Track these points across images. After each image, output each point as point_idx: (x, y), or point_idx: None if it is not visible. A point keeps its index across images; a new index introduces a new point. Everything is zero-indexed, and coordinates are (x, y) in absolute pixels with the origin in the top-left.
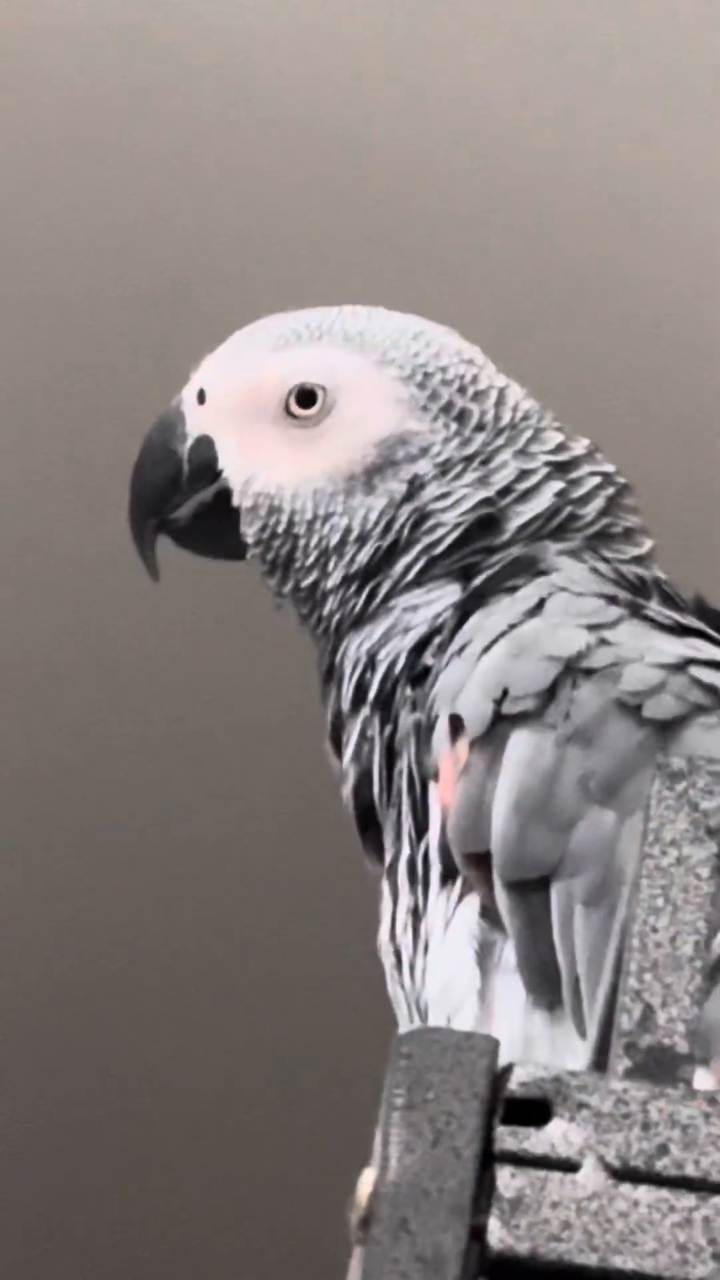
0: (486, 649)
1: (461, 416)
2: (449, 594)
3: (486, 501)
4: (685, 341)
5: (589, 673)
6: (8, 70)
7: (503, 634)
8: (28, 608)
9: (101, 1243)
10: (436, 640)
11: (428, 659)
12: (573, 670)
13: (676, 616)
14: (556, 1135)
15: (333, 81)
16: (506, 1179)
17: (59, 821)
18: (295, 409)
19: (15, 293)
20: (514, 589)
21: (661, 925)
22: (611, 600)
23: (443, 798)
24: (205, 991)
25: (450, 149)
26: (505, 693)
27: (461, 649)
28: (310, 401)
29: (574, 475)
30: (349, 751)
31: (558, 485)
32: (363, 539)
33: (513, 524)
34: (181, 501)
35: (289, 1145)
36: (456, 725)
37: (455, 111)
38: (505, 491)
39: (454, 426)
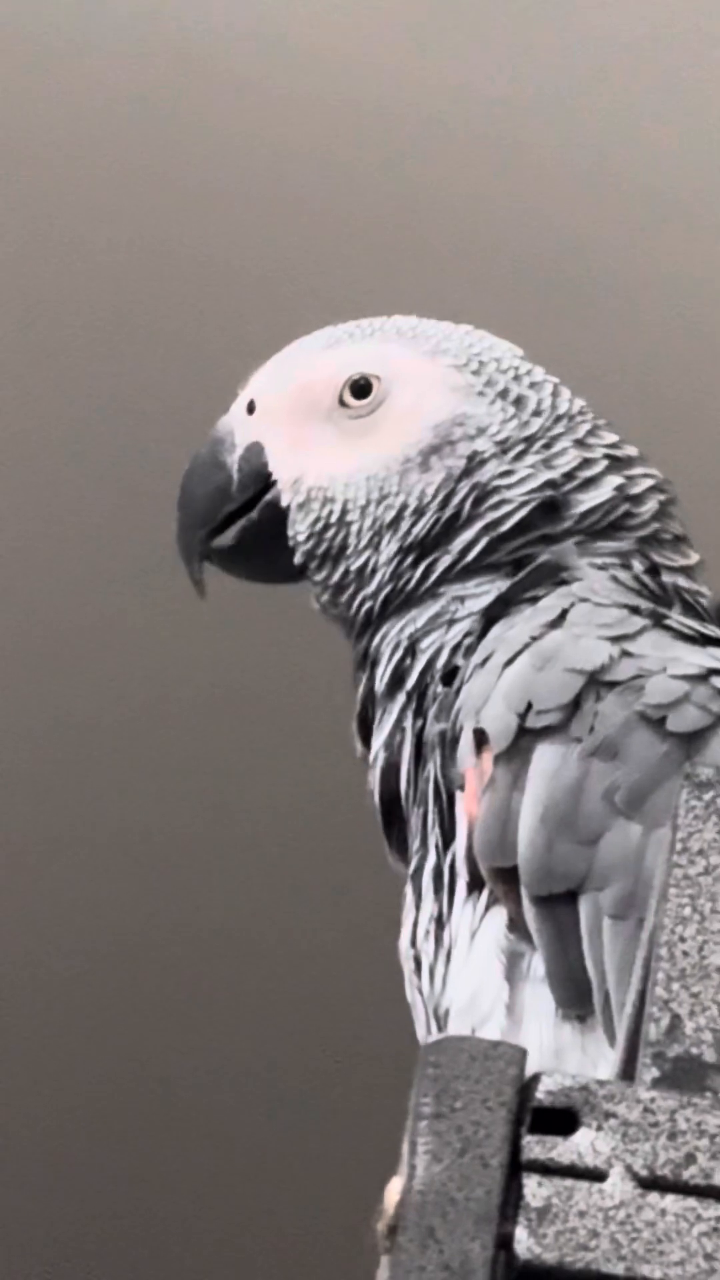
0: (509, 661)
1: (519, 402)
2: (498, 589)
3: (551, 484)
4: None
5: (612, 685)
6: (14, 91)
7: (525, 646)
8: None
9: (117, 1250)
10: (465, 642)
11: (457, 659)
12: (596, 683)
13: (698, 626)
14: (584, 1144)
15: (338, 92)
16: (534, 1188)
17: (60, 820)
18: (349, 400)
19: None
20: (535, 599)
21: (689, 935)
22: (634, 610)
23: (468, 810)
24: (218, 1000)
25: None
26: (529, 706)
27: (485, 660)
28: (365, 392)
29: (631, 472)
30: (380, 737)
31: (618, 480)
32: (420, 512)
33: (574, 510)
34: (232, 510)
35: (314, 1154)
36: (481, 738)
37: (466, 124)
38: (569, 476)
39: (511, 410)
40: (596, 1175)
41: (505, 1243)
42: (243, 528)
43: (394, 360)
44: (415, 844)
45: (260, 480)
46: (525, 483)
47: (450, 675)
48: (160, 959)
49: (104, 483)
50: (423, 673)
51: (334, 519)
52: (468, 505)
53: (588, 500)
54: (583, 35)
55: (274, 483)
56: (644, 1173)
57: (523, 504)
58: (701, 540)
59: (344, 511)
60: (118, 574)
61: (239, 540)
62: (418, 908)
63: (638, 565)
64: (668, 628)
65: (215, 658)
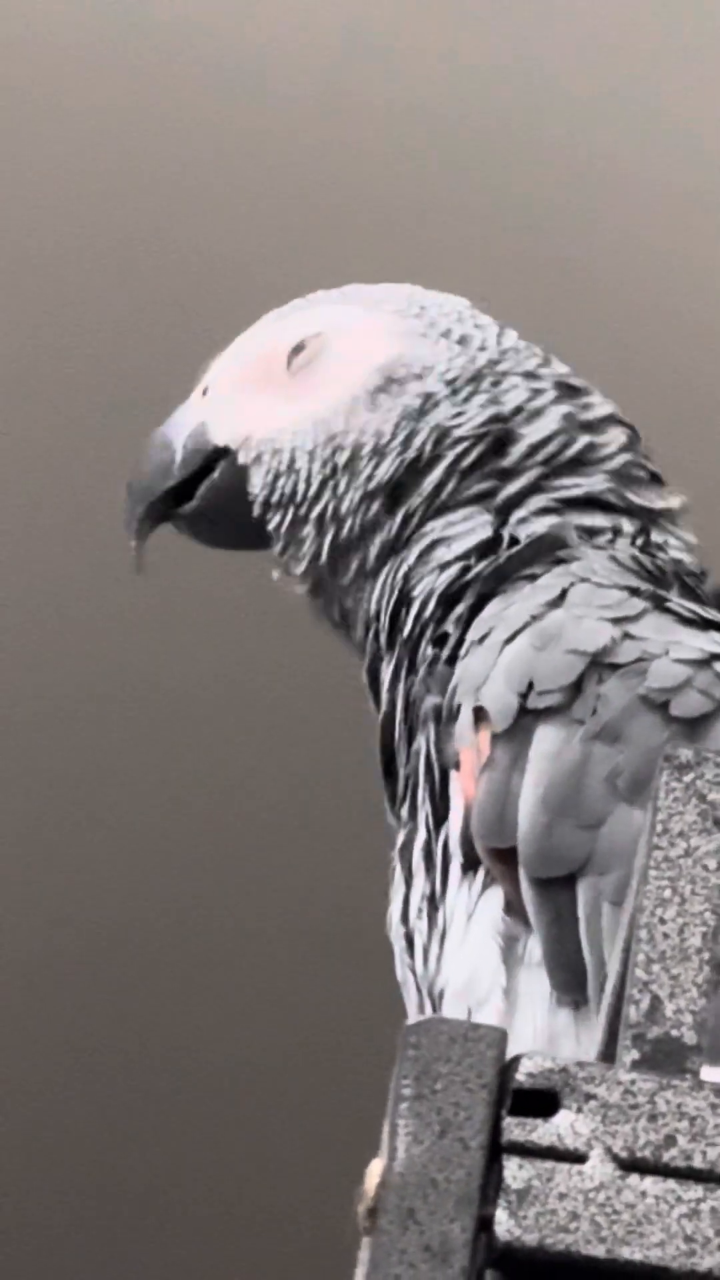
0: (510, 639)
1: (463, 340)
2: (479, 524)
3: (498, 418)
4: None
5: (615, 668)
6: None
7: (526, 625)
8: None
9: (105, 1232)
10: (459, 609)
11: (449, 625)
12: (599, 665)
13: (699, 609)
14: (564, 1126)
15: (336, 91)
16: (514, 1170)
17: (60, 814)
18: (291, 359)
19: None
20: (533, 577)
21: (669, 916)
22: (634, 592)
23: (465, 789)
24: (209, 982)
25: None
26: (530, 686)
27: (483, 638)
28: (302, 351)
29: (584, 400)
30: (384, 689)
31: (565, 409)
32: (379, 452)
33: (521, 445)
34: (172, 486)
35: (296, 1135)
36: (479, 716)
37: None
38: (517, 410)
39: (456, 348)
40: (577, 1157)
41: (485, 1224)
42: (206, 490)
43: (334, 316)
44: (404, 814)
45: (202, 456)
46: (474, 419)
47: (440, 640)
48: (161, 945)
49: (101, 478)
50: (415, 621)
51: (283, 467)
52: (429, 446)
53: (534, 432)
54: (582, 28)
55: (231, 451)
56: (624, 1155)
57: (477, 439)
58: (702, 540)
59: (292, 459)
60: (116, 565)
61: (204, 503)
62: (408, 884)
63: (624, 542)
64: (668, 610)
65: (213, 646)
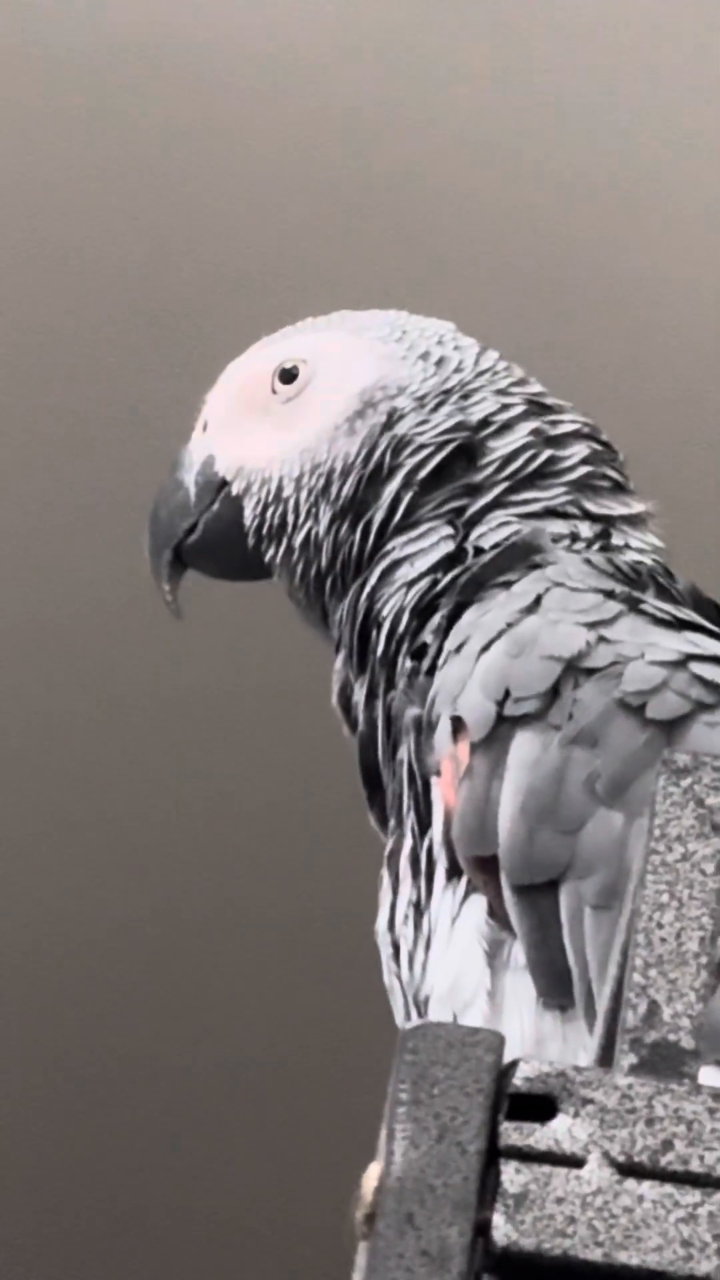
0: (486, 648)
1: (441, 361)
2: (442, 540)
3: (463, 426)
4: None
5: (590, 672)
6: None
7: (501, 632)
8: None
9: (105, 1235)
10: (434, 620)
11: (427, 635)
12: (574, 670)
13: (673, 610)
14: (561, 1131)
15: (334, 105)
16: (511, 1174)
17: (59, 817)
18: (280, 388)
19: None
20: (509, 583)
21: (667, 921)
22: (609, 595)
23: (445, 798)
24: (207, 986)
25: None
26: (507, 694)
27: (459, 646)
28: (293, 378)
29: (554, 417)
30: (359, 709)
31: (534, 424)
32: (345, 472)
33: (490, 458)
34: (193, 525)
35: (294, 1140)
36: (457, 726)
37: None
38: (484, 424)
39: (432, 369)
40: (574, 1161)
41: (483, 1229)
42: (206, 522)
43: (319, 344)
44: (392, 824)
45: (213, 489)
46: (438, 426)
47: (419, 652)
48: (160, 950)
49: (101, 487)
50: (388, 640)
51: (271, 496)
52: (387, 457)
53: (502, 446)
54: (579, 41)
55: (227, 482)
56: (621, 1159)
57: (438, 447)
58: (694, 544)
59: (279, 488)
60: (115, 573)
61: (204, 535)
62: (395, 891)
63: (586, 534)
64: (643, 612)
65: (211, 653)
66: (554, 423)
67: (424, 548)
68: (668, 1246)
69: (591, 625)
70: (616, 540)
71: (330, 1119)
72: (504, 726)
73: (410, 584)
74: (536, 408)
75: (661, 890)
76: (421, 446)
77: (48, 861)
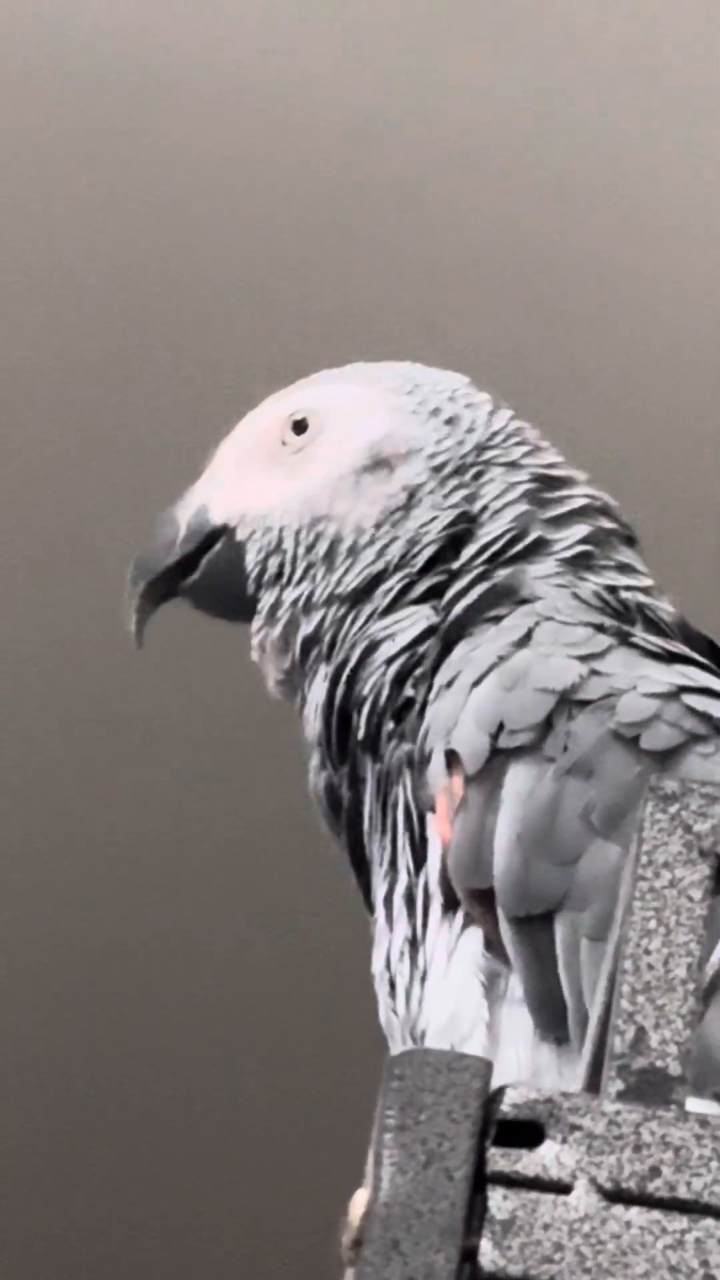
0: (478, 681)
1: (453, 420)
2: (420, 619)
3: (464, 517)
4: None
5: (584, 704)
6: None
7: (493, 666)
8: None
9: (89, 1257)
10: (418, 671)
11: (408, 690)
12: (568, 702)
13: (664, 643)
14: (549, 1157)
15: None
16: (499, 1201)
17: (58, 834)
18: (290, 439)
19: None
20: (497, 618)
21: (654, 947)
22: (599, 629)
23: (441, 832)
24: (195, 1012)
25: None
26: (501, 726)
27: (450, 681)
28: (303, 429)
29: (559, 493)
30: (342, 793)
31: (523, 508)
32: (354, 554)
33: (475, 544)
34: (173, 562)
35: (281, 1166)
36: (451, 760)
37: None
38: (484, 509)
39: (445, 429)
40: (561, 1188)
41: (470, 1255)
42: (207, 563)
43: (331, 395)
44: (384, 869)
45: (202, 535)
46: (441, 521)
47: (407, 706)
48: (151, 972)
49: (103, 495)
50: (369, 720)
51: (272, 545)
52: (395, 558)
53: (486, 534)
54: (583, 62)
55: (230, 528)
56: (609, 1185)
57: (432, 543)
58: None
59: (280, 537)
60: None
61: (205, 577)
62: (390, 930)
63: (595, 580)
64: (634, 645)
65: (210, 673)
66: (558, 500)
67: (405, 627)
68: (655, 1273)
69: (584, 658)
70: (625, 595)
71: (318, 1145)
72: (498, 759)
73: (390, 660)
74: (544, 483)
75: (649, 916)
76: (426, 545)
77: (41, 879)
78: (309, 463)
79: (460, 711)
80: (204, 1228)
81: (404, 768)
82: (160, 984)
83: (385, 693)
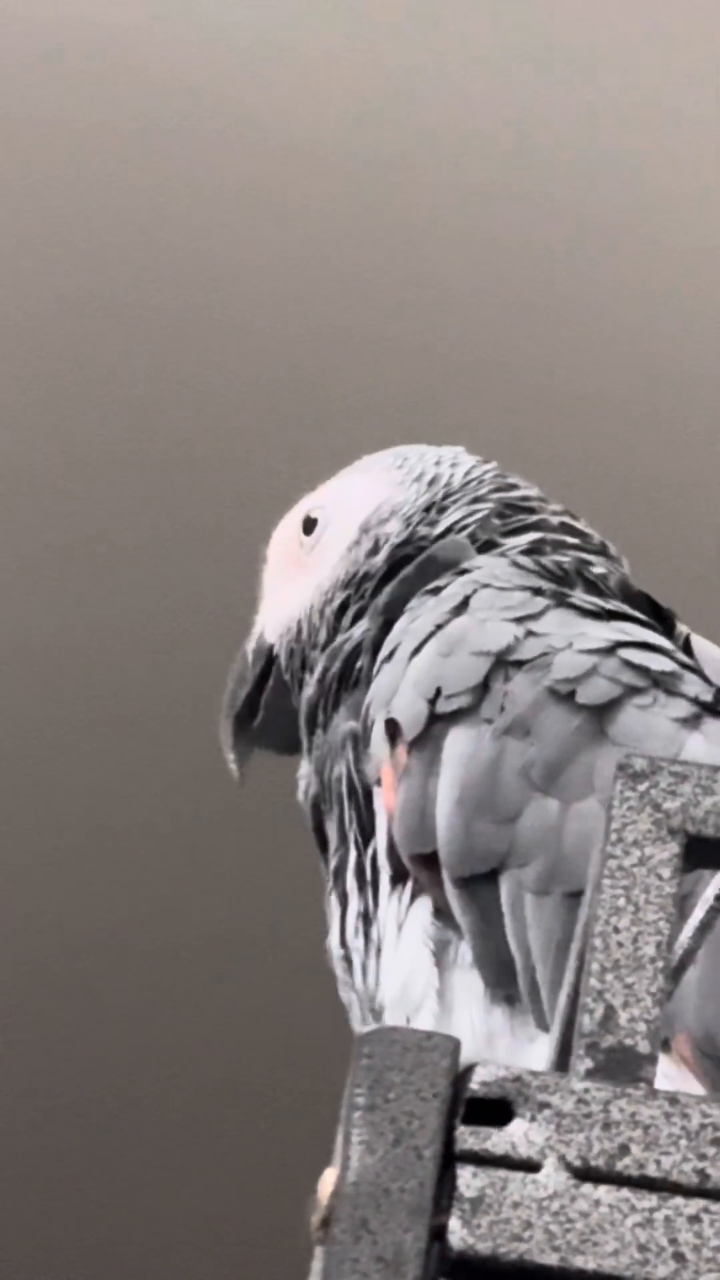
0: (416, 650)
1: (433, 480)
2: (377, 616)
3: (415, 539)
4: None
5: (520, 664)
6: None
7: (431, 634)
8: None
9: (62, 1243)
10: (364, 643)
11: (360, 664)
12: (504, 663)
13: (601, 602)
14: (518, 1135)
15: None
16: (468, 1179)
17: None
18: (303, 540)
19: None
20: (437, 590)
21: (623, 926)
22: (536, 592)
23: (386, 802)
24: (160, 990)
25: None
26: (438, 692)
27: (391, 653)
28: (312, 528)
29: (517, 516)
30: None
31: (480, 525)
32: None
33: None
34: (247, 691)
35: (251, 1145)
36: (394, 729)
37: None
38: (446, 531)
39: (425, 489)
40: (530, 1166)
41: (439, 1234)
42: (266, 699)
43: (334, 489)
44: (334, 844)
45: (262, 657)
46: (397, 549)
47: (345, 682)
48: (120, 955)
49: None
50: (317, 697)
51: (294, 640)
52: (353, 593)
53: (441, 550)
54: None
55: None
56: (578, 1163)
57: (385, 561)
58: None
59: (299, 629)
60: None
61: (267, 712)
62: (344, 906)
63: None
64: (571, 605)
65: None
66: (516, 518)
67: (363, 629)
68: (624, 1251)
69: (519, 620)
70: (565, 560)
71: (287, 1125)
72: (438, 724)
73: (337, 651)
74: (507, 508)
75: (618, 894)
76: (379, 567)
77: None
78: (320, 557)
79: (400, 681)
80: (172, 1210)
81: (348, 743)
82: (122, 963)
83: (334, 671)
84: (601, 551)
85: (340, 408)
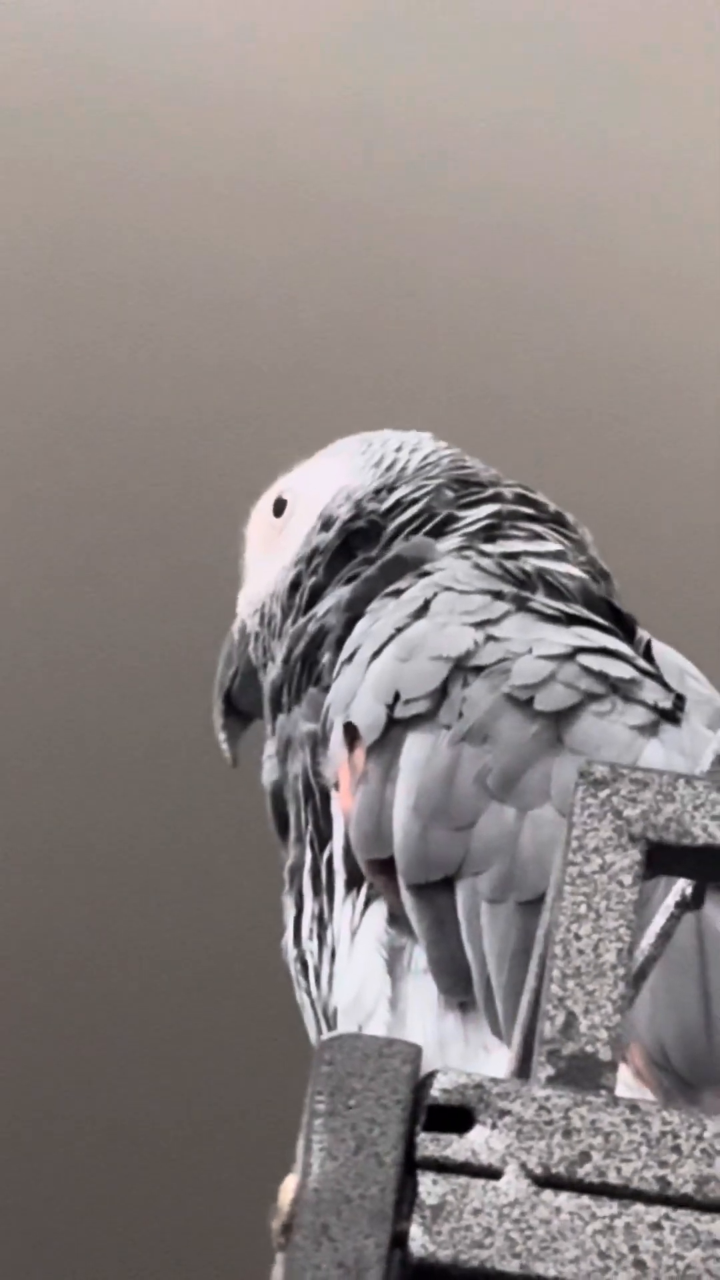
0: (376, 654)
1: (391, 465)
2: (337, 595)
3: (363, 514)
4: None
5: (479, 670)
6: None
7: (390, 638)
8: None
9: (41, 1245)
10: (328, 639)
11: (323, 655)
12: (462, 669)
13: (562, 607)
14: (479, 1142)
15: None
16: (429, 1186)
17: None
18: (274, 521)
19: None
20: (398, 592)
21: (584, 932)
22: (497, 595)
23: (343, 806)
24: (160, 990)
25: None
26: (397, 696)
27: (351, 656)
28: (282, 509)
29: (470, 490)
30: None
31: (431, 499)
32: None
33: (385, 532)
34: (234, 672)
35: (212, 1153)
36: (352, 733)
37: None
38: (394, 507)
39: (381, 473)
40: (491, 1173)
41: (400, 1240)
42: (242, 679)
43: (303, 473)
44: (291, 844)
45: (246, 637)
46: (346, 525)
47: (306, 679)
48: (100, 967)
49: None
50: (277, 692)
51: (254, 637)
52: (303, 570)
53: (396, 521)
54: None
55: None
56: (539, 1170)
57: (337, 536)
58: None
59: (264, 613)
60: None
61: (242, 680)
62: (299, 908)
63: (496, 550)
64: (532, 610)
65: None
66: (469, 492)
67: (326, 608)
68: (585, 1258)
69: (479, 625)
70: (527, 564)
71: (248, 1131)
72: (395, 729)
73: (300, 633)
74: (459, 483)
75: (579, 902)
76: (333, 542)
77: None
78: (287, 539)
79: (359, 685)
80: (132, 1218)
81: (306, 745)
82: (104, 975)
83: (298, 653)
84: (558, 520)
85: (336, 396)
